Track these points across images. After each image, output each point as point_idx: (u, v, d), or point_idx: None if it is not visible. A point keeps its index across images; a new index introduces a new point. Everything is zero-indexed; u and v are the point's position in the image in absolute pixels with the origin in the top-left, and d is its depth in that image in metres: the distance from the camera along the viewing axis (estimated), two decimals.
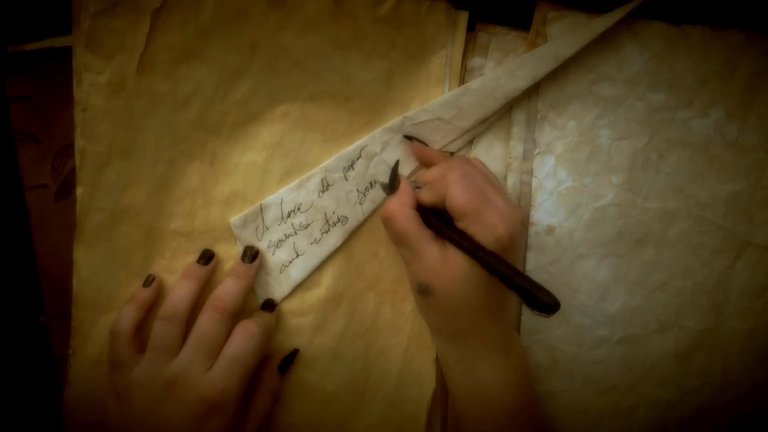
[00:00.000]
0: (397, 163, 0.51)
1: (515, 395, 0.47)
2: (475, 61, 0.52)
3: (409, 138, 0.51)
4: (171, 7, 0.46)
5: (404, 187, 0.48)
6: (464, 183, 0.45)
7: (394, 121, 0.51)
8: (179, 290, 0.47)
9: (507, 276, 0.42)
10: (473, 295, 0.45)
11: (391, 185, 0.49)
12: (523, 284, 0.41)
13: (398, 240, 0.47)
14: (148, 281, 0.48)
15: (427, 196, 0.47)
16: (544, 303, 0.40)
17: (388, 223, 0.47)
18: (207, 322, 0.46)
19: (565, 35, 0.51)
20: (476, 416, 0.47)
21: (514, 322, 0.53)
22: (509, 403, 0.47)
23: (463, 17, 0.51)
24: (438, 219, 0.46)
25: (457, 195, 0.44)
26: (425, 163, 0.52)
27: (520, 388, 0.47)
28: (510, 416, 0.47)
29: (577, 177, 0.53)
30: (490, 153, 0.53)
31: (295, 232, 0.50)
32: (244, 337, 0.46)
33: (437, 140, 0.51)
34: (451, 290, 0.45)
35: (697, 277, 0.55)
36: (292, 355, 0.51)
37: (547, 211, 0.53)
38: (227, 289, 0.47)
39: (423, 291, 0.46)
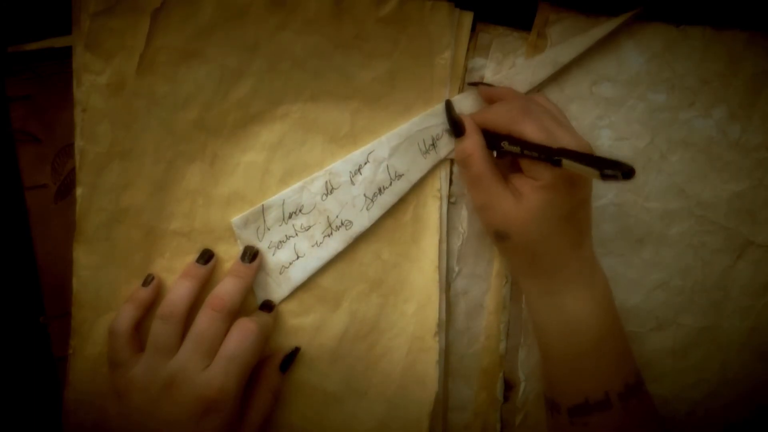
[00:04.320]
0: (450, 104, 0.50)
1: (599, 325, 0.47)
2: (476, 62, 0.52)
3: (474, 84, 0.51)
4: (170, 8, 0.46)
5: (475, 127, 0.48)
6: (531, 117, 0.45)
7: (401, 126, 0.51)
8: (178, 289, 0.47)
9: (582, 157, 0.42)
10: (550, 233, 0.46)
11: (455, 127, 0.49)
12: (599, 159, 0.41)
13: (475, 182, 0.47)
14: (147, 281, 0.48)
15: (494, 123, 0.48)
16: (625, 169, 0.39)
17: (466, 164, 0.48)
18: (205, 320, 0.46)
19: (564, 40, 0.51)
20: (560, 349, 0.48)
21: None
22: (593, 333, 0.47)
23: (468, 17, 0.51)
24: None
25: (526, 128, 0.45)
26: (494, 102, 0.51)
27: (604, 318, 0.47)
28: (594, 346, 0.47)
29: None
30: None
31: (296, 234, 0.50)
32: (242, 335, 0.46)
33: (443, 144, 0.51)
34: (527, 232, 0.46)
35: (697, 276, 0.55)
36: (293, 354, 0.51)
37: None
38: (226, 288, 0.47)
39: (500, 236, 0.47)
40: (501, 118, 0.47)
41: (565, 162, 0.42)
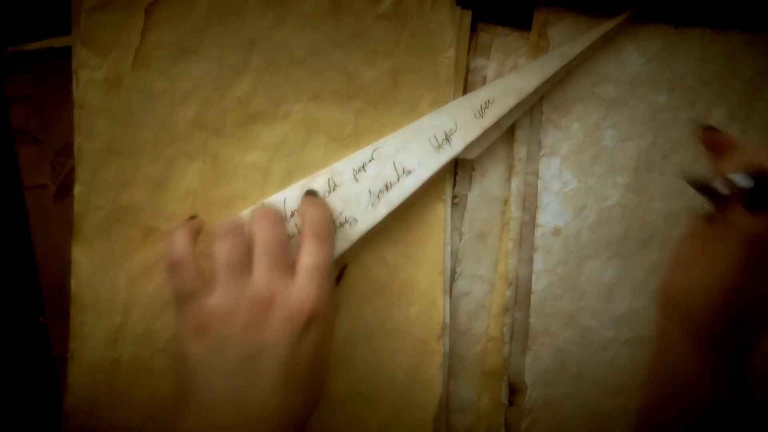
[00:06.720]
0: (699, 179, 0.38)
1: None
2: (477, 62, 0.52)
3: (708, 128, 0.41)
4: (165, 3, 0.46)
5: None
6: None
7: (409, 125, 0.50)
8: (227, 215, 0.45)
9: None
10: None
11: (754, 197, 0.34)
12: None
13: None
14: (193, 217, 0.46)
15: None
16: None
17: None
18: (263, 231, 0.43)
19: (567, 39, 0.51)
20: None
21: None
22: None
23: (467, 16, 0.51)
24: None
25: None
26: (721, 152, 0.40)
27: None
28: None
29: (582, 178, 0.53)
30: (493, 155, 0.53)
31: (298, 232, 0.49)
32: (316, 244, 0.43)
33: (458, 138, 0.50)
34: None
35: None
36: (341, 272, 0.50)
37: (553, 212, 0.53)
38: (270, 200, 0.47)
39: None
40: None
41: None
